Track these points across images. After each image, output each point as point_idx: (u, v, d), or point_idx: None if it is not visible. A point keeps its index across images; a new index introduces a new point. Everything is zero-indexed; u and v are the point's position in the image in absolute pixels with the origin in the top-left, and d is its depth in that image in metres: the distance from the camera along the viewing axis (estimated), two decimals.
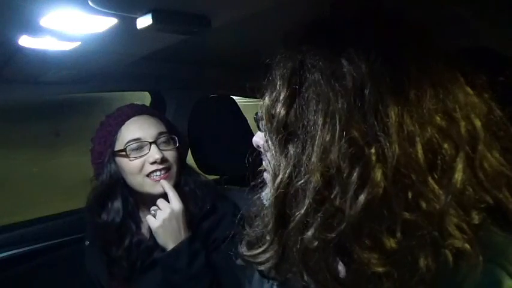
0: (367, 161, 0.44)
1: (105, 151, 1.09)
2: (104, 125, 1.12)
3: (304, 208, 0.46)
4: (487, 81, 0.48)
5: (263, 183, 0.62)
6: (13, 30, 0.77)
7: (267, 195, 0.59)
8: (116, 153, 1.08)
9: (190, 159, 1.32)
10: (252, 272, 0.69)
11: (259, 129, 0.62)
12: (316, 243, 0.45)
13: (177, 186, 1.09)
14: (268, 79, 0.56)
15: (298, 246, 0.47)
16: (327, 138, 0.46)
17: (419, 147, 0.43)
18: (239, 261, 0.65)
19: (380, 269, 0.43)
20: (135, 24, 0.61)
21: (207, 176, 1.24)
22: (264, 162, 0.60)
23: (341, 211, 0.45)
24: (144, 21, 0.60)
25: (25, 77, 1.15)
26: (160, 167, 1.06)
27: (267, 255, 0.52)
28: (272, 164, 0.52)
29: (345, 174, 0.45)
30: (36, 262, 1.34)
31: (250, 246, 0.56)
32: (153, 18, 0.59)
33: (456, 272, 0.43)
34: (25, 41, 0.81)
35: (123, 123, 1.09)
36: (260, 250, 0.53)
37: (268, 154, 0.55)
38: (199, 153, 1.35)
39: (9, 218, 1.42)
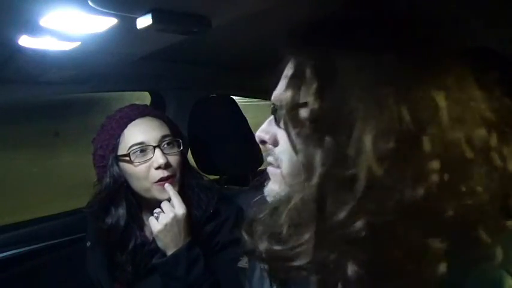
0: (421, 145, 0.44)
1: (108, 155, 1.07)
2: (106, 128, 1.10)
3: (356, 198, 0.44)
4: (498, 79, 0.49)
5: (264, 181, 0.62)
6: (13, 30, 0.77)
7: (272, 191, 0.59)
8: (119, 158, 1.07)
9: (190, 159, 1.31)
10: (252, 273, 0.69)
11: (278, 126, 0.58)
12: (364, 232, 0.44)
13: (180, 189, 1.08)
14: (287, 73, 0.55)
15: (346, 237, 0.44)
16: (379, 125, 0.45)
17: (464, 133, 0.45)
18: (240, 264, 0.65)
19: (440, 252, 0.43)
20: (135, 24, 0.61)
21: (207, 176, 1.23)
22: (270, 158, 0.59)
23: (398, 197, 0.43)
24: (144, 21, 0.60)
25: (25, 77, 1.14)
26: (166, 174, 1.04)
27: (300, 249, 0.49)
28: (301, 157, 0.50)
29: (401, 160, 0.44)
30: (36, 262, 1.34)
31: (275, 241, 0.53)
32: (153, 18, 0.59)
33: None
34: (25, 41, 0.81)
35: (126, 127, 1.07)
36: (292, 245, 0.50)
37: (282, 148, 0.55)
38: (199, 153, 1.34)
39: (9, 218, 1.42)
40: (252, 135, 1.27)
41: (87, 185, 1.14)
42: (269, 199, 0.59)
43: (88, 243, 1.17)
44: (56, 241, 1.38)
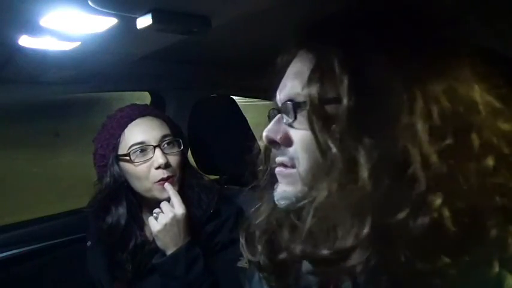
0: (471, 141, 0.44)
1: (108, 154, 1.07)
2: (106, 127, 1.10)
3: (417, 196, 0.42)
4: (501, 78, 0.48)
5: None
6: (13, 30, 0.77)
7: (287, 193, 0.55)
8: (119, 157, 1.07)
9: (190, 159, 1.31)
10: (253, 273, 0.68)
11: (290, 125, 0.55)
12: (426, 230, 0.42)
13: (181, 189, 1.08)
14: (299, 68, 0.53)
15: (407, 235, 0.42)
16: (431, 120, 0.44)
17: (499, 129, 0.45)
18: (240, 264, 0.65)
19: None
20: (135, 24, 0.61)
21: (207, 176, 1.23)
22: (281, 158, 0.56)
23: (465, 186, 0.42)
24: (144, 21, 0.60)
25: (25, 77, 1.14)
26: (166, 174, 1.04)
27: (352, 250, 0.46)
28: (333, 155, 0.47)
29: (457, 156, 0.43)
30: (36, 262, 1.34)
31: (317, 241, 0.50)
32: (153, 18, 0.59)
33: None
34: (25, 41, 0.81)
35: (126, 126, 1.07)
36: (339, 246, 0.46)
37: (299, 147, 0.52)
38: (199, 153, 1.34)
39: (9, 218, 1.42)
40: (252, 135, 1.27)
41: (87, 185, 1.14)
42: (282, 202, 0.56)
43: (88, 243, 1.17)
44: (56, 241, 1.38)
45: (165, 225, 1.01)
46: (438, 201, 0.42)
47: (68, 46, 0.84)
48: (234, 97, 1.45)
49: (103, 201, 1.08)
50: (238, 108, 1.39)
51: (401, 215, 0.43)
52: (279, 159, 0.56)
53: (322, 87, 0.49)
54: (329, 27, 0.52)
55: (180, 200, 1.04)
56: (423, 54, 0.47)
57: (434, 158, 0.43)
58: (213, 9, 0.63)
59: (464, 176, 0.43)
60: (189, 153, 1.36)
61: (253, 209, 0.64)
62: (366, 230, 0.44)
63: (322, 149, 0.49)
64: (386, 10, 0.50)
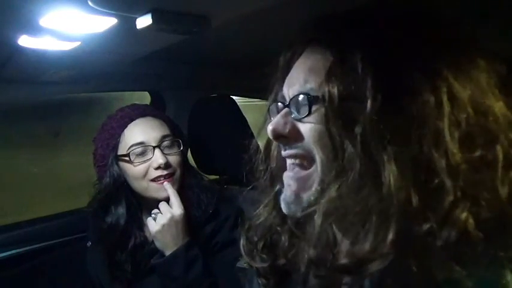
0: (497, 153, 0.43)
1: (108, 155, 1.07)
2: (106, 127, 1.10)
3: (446, 207, 0.41)
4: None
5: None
6: (13, 30, 0.77)
7: (298, 198, 0.52)
8: (119, 158, 1.07)
9: (190, 159, 1.31)
10: (253, 274, 0.68)
11: (300, 120, 0.51)
12: (454, 240, 0.41)
13: (180, 190, 1.08)
14: (313, 63, 0.51)
15: (432, 245, 0.41)
16: (460, 126, 0.42)
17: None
18: (240, 264, 0.64)
19: None
20: (135, 24, 0.61)
21: (207, 176, 1.23)
22: (293, 151, 0.52)
23: (493, 197, 0.42)
24: (143, 21, 0.60)
25: (25, 77, 1.14)
26: (165, 172, 1.04)
27: (374, 256, 0.44)
28: (353, 155, 0.45)
29: (489, 159, 0.42)
30: (36, 262, 1.34)
31: (331, 247, 0.48)
32: (152, 18, 0.59)
33: None
34: (25, 41, 0.81)
35: (126, 126, 1.08)
36: (367, 255, 0.44)
37: (312, 142, 0.49)
38: (199, 153, 1.34)
39: (9, 218, 1.42)
40: (252, 135, 1.26)
41: (87, 185, 1.14)
42: (293, 208, 0.53)
43: (89, 243, 1.17)
44: (56, 241, 1.38)
45: (164, 225, 1.01)
46: (465, 213, 0.41)
47: (67, 46, 0.84)
48: (234, 97, 1.45)
49: (102, 201, 1.08)
50: (238, 108, 1.39)
51: (427, 226, 0.41)
52: (290, 152, 0.53)
53: (343, 84, 0.47)
54: (348, 23, 0.50)
55: (179, 200, 1.04)
56: (446, 56, 0.45)
57: (463, 169, 0.41)
58: (213, 9, 0.63)
59: (492, 188, 0.42)
60: (189, 153, 1.36)
61: (254, 212, 0.63)
62: (390, 238, 0.42)
63: (337, 147, 0.47)
64: (408, 8, 0.49)
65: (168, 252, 1.02)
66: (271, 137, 0.54)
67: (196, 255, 1.02)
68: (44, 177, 1.99)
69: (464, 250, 0.41)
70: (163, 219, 1.01)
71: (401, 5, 0.49)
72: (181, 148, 1.11)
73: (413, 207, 0.42)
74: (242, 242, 0.62)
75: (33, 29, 0.74)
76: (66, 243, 1.40)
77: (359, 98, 0.45)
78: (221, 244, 1.07)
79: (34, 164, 1.99)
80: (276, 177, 0.60)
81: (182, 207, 1.03)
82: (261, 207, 0.62)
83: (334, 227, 0.49)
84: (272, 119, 0.57)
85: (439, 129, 0.43)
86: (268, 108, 0.60)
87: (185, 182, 1.11)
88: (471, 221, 0.41)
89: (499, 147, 0.43)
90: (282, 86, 0.57)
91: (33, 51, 0.86)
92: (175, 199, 1.03)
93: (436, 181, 0.42)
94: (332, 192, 0.46)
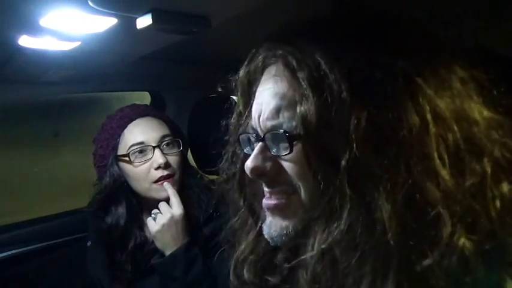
0: (484, 152, 0.41)
1: (108, 155, 1.07)
2: (106, 127, 1.10)
3: (445, 238, 0.39)
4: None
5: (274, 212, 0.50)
6: (13, 30, 0.77)
7: (282, 228, 0.47)
8: (119, 158, 1.07)
9: (190, 159, 1.31)
10: None
11: (280, 157, 0.46)
12: (456, 268, 0.39)
13: (180, 189, 1.08)
14: (278, 88, 0.45)
15: (438, 274, 0.39)
16: (448, 143, 0.40)
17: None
18: None
19: None
20: (135, 24, 0.61)
21: (207, 176, 1.23)
22: (277, 188, 0.47)
23: (487, 217, 0.40)
24: (144, 21, 0.60)
25: (25, 77, 1.14)
26: (166, 173, 1.04)
27: None
28: (347, 194, 0.40)
29: (479, 177, 0.40)
30: (36, 262, 1.34)
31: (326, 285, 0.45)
32: (152, 18, 0.59)
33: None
34: (25, 41, 0.81)
35: (126, 127, 1.08)
36: None
37: (301, 177, 0.45)
38: (199, 153, 1.34)
39: (9, 218, 1.42)
40: None
41: (87, 185, 1.14)
42: (277, 238, 0.48)
43: (89, 243, 1.17)
44: (55, 241, 1.38)
45: (163, 225, 1.01)
46: (463, 239, 0.39)
47: (68, 46, 0.84)
48: (233, 97, 1.45)
49: (102, 201, 1.08)
50: None
51: (428, 261, 0.39)
52: (274, 189, 0.48)
53: (320, 111, 0.41)
54: (316, 35, 0.45)
55: (179, 200, 1.04)
56: (423, 67, 0.42)
57: (458, 197, 0.39)
58: (213, 9, 0.63)
59: (485, 208, 0.40)
60: (189, 153, 1.36)
61: (238, 246, 0.57)
62: (390, 284, 0.39)
63: (323, 184, 0.42)
64: (382, 13, 0.46)
65: (168, 252, 1.02)
66: (250, 176, 0.48)
67: (196, 256, 1.02)
68: (44, 177, 1.98)
69: (463, 277, 0.39)
70: (163, 219, 1.01)
71: (368, 7, 0.46)
72: (181, 148, 1.11)
73: (412, 244, 0.39)
74: (231, 279, 0.57)
75: (34, 29, 0.74)
76: (66, 243, 1.40)
77: (340, 126, 0.41)
78: (221, 245, 1.07)
79: (34, 164, 1.98)
80: (255, 205, 0.56)
81: (182, 207, 1.03)
82: (244, 239, 0.57)
83: (328, 271, 0.45)
84: (245, 149, 0.53)
85: (428, 154, 0.40)
86: (240, 138, 0.55)
87: (185, 182, 1.11)
88: (470, 245, 0.39)
89: (486, 160, 0.41)
90: (249, 111, 0.53)
91: (34, 51, 0.86)
92: (175, 199, 1.03)
93: (432, 213, 0.39)
94: (322, 232, 0.43)
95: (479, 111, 0.43)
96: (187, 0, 0.59)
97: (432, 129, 0.40)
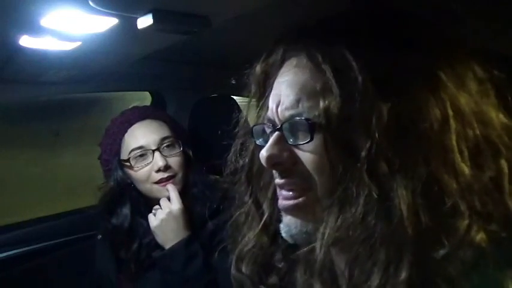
0: (501, 152, 0.42)
1: (112, 159, 1.10)
2: (109, 132, 1.13)
3: (461, 231, 0.39)
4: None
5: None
6: (13, 30, 0.77)
7: (301, 226, 0.47)
8: (121, 162, 1.09)
9: None
10: None
11: (298, 146, 0.46)
12: (471, 263, 0.39)
13: (185, 187, 1.10)
14: (299, 78, 0.46)
15: (453, 266, 0.39)
16: (468, 139, 0.40)
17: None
18: None
19: None
20: (136, 24, 0.61)
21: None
22: (290, 180, 0.47)
23: (503, 212, 0.41)
24: (144, 21, 0.60)
25: (25, 77, 1.14)
26: (166, 175, 1.06)
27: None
28: (364, 184, 0.41)
29: (497, 174, 0.41)
30: (36, 262, 1.34)
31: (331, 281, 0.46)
32: (153, 18, 0.59)
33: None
34: (25, 41, 0.81)
35: (126, 131, 1.10)
36: (380, 283, 0.41)
37: (311, 169, 0.45)
38: (200, 153, 1.34)
39: (9, 218, 1.42)
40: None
41: (87, 185, 1.15)
42: (296, 236, 0.48)
43: (99, 237, 1.19)
44: (56, 241, 1.38)
45: (162, 220, 1.03)
46: (481, 233, 0.39)
47: (68, 46, 0.84)
48: (234, 97, 1.45)
49: (108, 203, 1.11)
50: (239, 108, 1.39)
51: (443, 251, 0.39)
52: (287, 181, 0.48)
53: (343, 102, 0.42)
54: (338, 31, 0.46)
55: (178, 196, 1.05)
56: (445, 63, 0.43)
57: (475, 189, 0.40)
58: (213, 9, 0.63)
59: (502, 201, 0.41)
60: None
61: (241, 239, 0.57)
62: (404, 276, 0.39)
63: (340, 174, 0.43)
64: (403, 11, 0.46)
65: (168, 247, 1.04)
66: (265, 165, 0.48)
67: (196, 251, 1.03)
68: (44, 177, 1.98)
69: (479, 269, 0.39)
70: (162, 214, 1.04)
71: (388, 6, 0.47)
72: (181, 148, 1.11)
73: (428, 234, 0.39)
74: (232, 272, 0.57)
75: (34, 29, 0.74)
76: (67, 243, 1.40)
77: (362, 117, 0.41)
78: (224, 242, 1.07)
79: (34, 164, 1.98)
80: (261, 199, 0.56)
81: (181, 203, 1.05)
82: (248, 233, 0.57)
83: (338, 258, 0.46)
84: (258, 141, 0.53)
85: (448, 147, 0.40)
86: (252, 129, 0.54)
87: (189, 179, 1.12)
88: (486, 239, 0.39)
89: (503, 161, 0.42)
90: (263, 103, 0.53)
91: (34, 51, 0.86)
92: (174, 195, 1.05)
93: (449, 204, 0.40)
94: (335, 220, 0.43)
95: (496, 114, 0.44)
96: (188, 0, 0.59)
97: (453, 123, 0.41)
